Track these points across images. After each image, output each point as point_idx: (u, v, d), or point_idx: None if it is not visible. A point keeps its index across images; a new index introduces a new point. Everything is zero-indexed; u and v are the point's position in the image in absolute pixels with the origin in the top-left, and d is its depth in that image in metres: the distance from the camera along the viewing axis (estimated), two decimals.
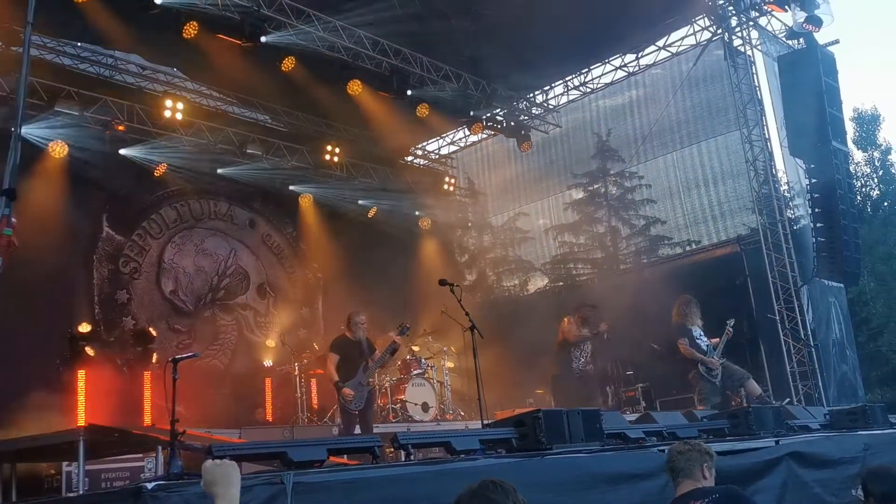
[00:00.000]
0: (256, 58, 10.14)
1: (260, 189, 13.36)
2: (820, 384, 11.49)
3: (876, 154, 30.18)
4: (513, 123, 14.40)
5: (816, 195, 11.59)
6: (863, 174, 29.73)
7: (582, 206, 16.34)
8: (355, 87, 11.29)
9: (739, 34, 12.73)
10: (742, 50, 12.68)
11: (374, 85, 11.52)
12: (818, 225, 11.56)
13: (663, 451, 4.35)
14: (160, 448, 5.76)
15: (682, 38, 13.61)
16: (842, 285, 13.07)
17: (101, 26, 9.25)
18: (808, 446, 5.88)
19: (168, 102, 11.27)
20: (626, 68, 14.26)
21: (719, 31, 12.83)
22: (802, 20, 11.74)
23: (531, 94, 14.97)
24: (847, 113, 19.33)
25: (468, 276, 16.81)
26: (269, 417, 10.89)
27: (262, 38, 9.95)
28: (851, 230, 11.59)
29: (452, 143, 16.68)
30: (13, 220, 4.09)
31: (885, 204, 28.97)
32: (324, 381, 10.57)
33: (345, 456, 5.08)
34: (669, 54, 13.89)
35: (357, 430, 8.43)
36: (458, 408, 11.68)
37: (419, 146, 16.30)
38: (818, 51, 11.71)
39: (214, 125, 12.05)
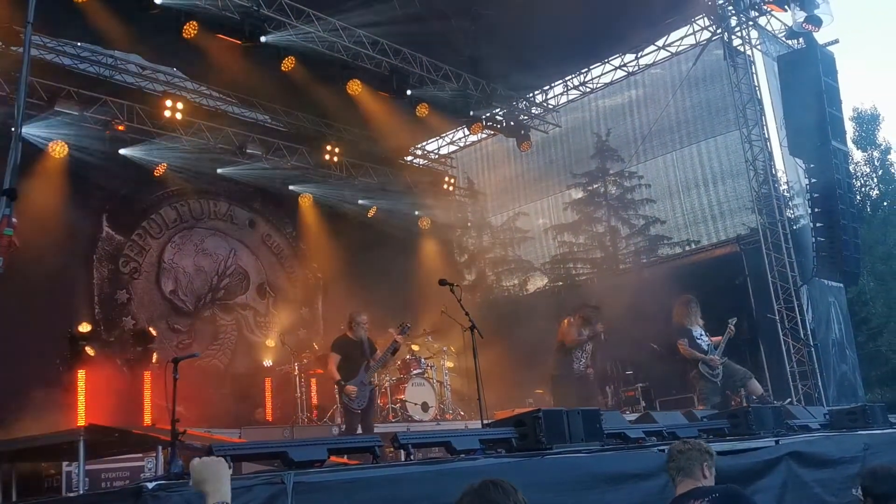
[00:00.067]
0: (256, 58, 10.15)
1: (260, 189, 13.39)
2: (820, 384, 11.49)
3: (875, 154, 30.15)
4: (512, 123, 14.40)
5: (816, 195, 11.60)
6: (862, 174, 29.71)
7: (581, 206, 16.35)
8: (355, 87, 11.29)
9: (739, 34, 12.72)
10: (742, 50, 12.67)
11: (373, 85, 11.54)
12: (818, 225, 11.56)
13: (663, 450, 4.35)
14: (160, 448, 5.77)
15: (682, 38, 13.63)
16: (841, 285, 13.07)
17: (101, 26, 9.26)
18: (808, 446, 5.89)
19: (168, 102, 11.27)
20: (625, 68, 14.26)
21: (719, 30, 12.82)
22: (802, 20, 11.74)
23: (531, 94, 14.96)
24: (847, 113, 19.25)
25: (468, 276, 16.81)
26: (269, 417, 10.89)
27: (262, 38, 9.95)
28: (851, 230, 11.59)
29: (452, 142, 16.68)
30: (14, 220, 4.10)
31: (885, 204, 28.93)
32: (324, 381, 10.59)
33: (345, 456, 5.08)
34: (669, 54, 13.89)
35: (359, 429, 8.43)
36: (458, 408, 11.68)
37: (419, 146, 16.30)
38: (818, 50, 11.72)
39: (214, 125, 12.06)
